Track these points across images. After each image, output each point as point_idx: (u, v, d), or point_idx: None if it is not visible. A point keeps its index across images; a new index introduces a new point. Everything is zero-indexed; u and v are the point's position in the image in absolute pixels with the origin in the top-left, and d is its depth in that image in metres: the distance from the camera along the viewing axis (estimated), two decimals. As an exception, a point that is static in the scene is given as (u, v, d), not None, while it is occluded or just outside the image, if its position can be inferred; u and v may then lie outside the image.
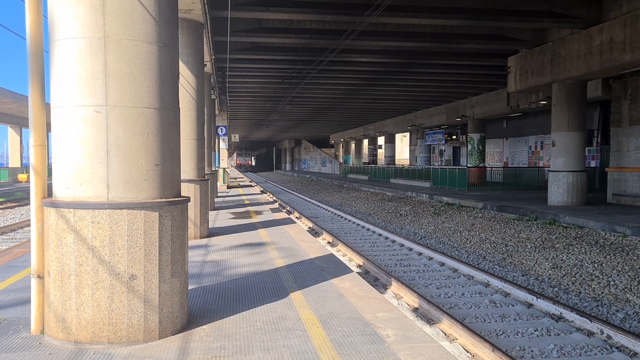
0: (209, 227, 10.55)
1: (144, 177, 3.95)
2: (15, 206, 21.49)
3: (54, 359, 3.59)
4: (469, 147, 29.24)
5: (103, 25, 3.76)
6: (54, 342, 3.87)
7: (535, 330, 6.19)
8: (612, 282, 8.38)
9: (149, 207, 3.91)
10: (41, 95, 4.18)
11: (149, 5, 3.90)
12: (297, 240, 9.23)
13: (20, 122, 41.63)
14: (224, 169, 27.27)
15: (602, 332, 5.96)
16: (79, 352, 3.73)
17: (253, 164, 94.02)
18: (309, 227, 15.64)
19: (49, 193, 4.16)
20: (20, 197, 25.59)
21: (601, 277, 8.73)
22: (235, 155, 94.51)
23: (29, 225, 15.12)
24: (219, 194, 21.72)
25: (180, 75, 4.59)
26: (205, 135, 13.01)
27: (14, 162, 43.12)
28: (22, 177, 38.66)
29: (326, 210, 21.01)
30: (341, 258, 10.58)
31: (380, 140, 49.43)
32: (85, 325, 3.79)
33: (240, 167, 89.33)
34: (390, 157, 44.54)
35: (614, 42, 13.14)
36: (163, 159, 4.07)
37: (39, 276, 4.12)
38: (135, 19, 3.85)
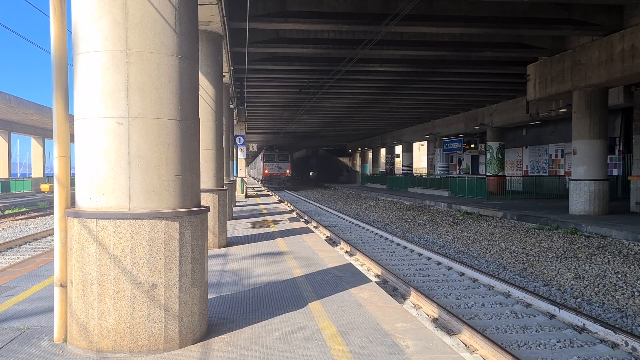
0: (228, 236, 10.61)
1: (164, 188, 4.00)
2: (37, 215, 21.86)
3: (76, 368, 3.63)
4: (488, 155, 29.00)
5: (125, 38, 3.84)
6: (76, 351, 3.92)
7: (557, 342, 6.08)
8: (636, 293, 8.20)
9: (169, 217, 3.95)
10: (65, 108, 4.26)
11: (170, 18, 3.97)
12: (315, 249, 9.23)
13: (43, 133, 42.45)
14: (242, 178, 27.44)
15: (627, 344, 5.83)
16: (101, 360, 3.76)
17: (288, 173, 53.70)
18: (327, 237, 15.61)
19: (72, 203, 4.23)
20: (42, 207, 26.03)
21: (625, 287, 8.55)
22: (260, 159, 56.13)
23: (51, 234, 15.37)
24: (237, 203, 21.84)
25: (199, 86, 4.65)
26: (224, 145, 13.11)
27: (37, 172, 43.92)
28: (44, 187, 39.33)
29: (344, 219, 20.96)
30: (359, 267, 10.53)
31: (398, 149, 49.30)
32: (107, 334, 3.83)
33: (270, 181, 51.77)
34: (408, 166, 44.39)
35: (636, 48, 12.96)
36: (183, 169, 4.12)
37: (62, 285, 4.18)
38: (157, 32, 3.92)
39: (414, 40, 15.28)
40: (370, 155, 57.33)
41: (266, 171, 51.45)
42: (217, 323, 4.68)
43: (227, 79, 15.18)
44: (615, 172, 22.57)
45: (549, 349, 5.90)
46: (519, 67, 18.32)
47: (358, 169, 64.39)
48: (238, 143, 25.09)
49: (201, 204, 4.46)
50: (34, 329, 4.50)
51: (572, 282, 9.14)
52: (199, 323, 4.20)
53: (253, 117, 33.94)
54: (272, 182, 51.51)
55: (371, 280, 6.62)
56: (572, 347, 5.99)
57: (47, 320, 4.68)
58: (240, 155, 26.88)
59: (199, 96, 4.49)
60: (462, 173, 37.35)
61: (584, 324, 6.52)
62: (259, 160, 53.54)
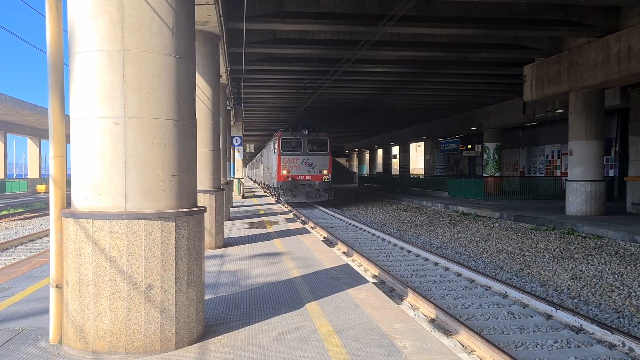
0: (225, 237, 10.58)
1: (161, 188, 3.98)
2: (33, 216, 21.78)
3: (72, 369, 3.61)
4: (485, 156, 29.05)
5: (122, 38, 3.82)
6: (72, 352, 3.89)
7: (555, 342, 6.08)
8: (633, 293, 8.22)
9: (166, 218, 3.93)
10: (61, 108, 4.24)
11: (167, 18, 3.95)
12: (313, 250, 9.21)
13: (39, 134, 42.30)
14: (239, 179, 27.39)
15: (623, 345, 5.84)
16: (97, 362, 3.74)
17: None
18: (324, 237, 15.59)
19: (68, 204, 4.20)
20: (38, 208, 25.93)
21: (622, 288, 8.57)
22: (272, 150, 27.92)
23: (47, 235, 15.30)
24: (234, 204, 21.80)
25: (196, 86, 4.63)
26: (221, 146, 13.09)
27: (33, 173, 43.76)
28: (40, 188, 39.20)
29: (341, 220, 20.94)
30: (357, 268, 10.52)
31: (395, 150, 49.33)
32: (103, 335, 3.81)
33: (292, 189, 25.38)
34: (405, 167, 44.41)
35: (632, 50, 12.99)
36: (180, 169, 4.10)
37: (57, 286, 4.16)
38: (153, 32, 3.90)
39: (411, 41, 15.29)
40: (367, 156, 57.38)
41: (284, 172, 25.72)
42: (214, 324, 4.66)
43: (224, 79, 15.15)
44: (611, 172, 22.63)
45: (546, 350, 5.90)
46: (516, 68, 18.34)
47: (355, 169, 64.40)
48: (235, 144, 25.05)
49: (198, 205, 4.44)
50: (29, 330, 4.47)
51: (569, 282, 9.15)
52: (196, 324, 4.19)
53: (250, 117, 33.91)
54: (295, 193, 25.87)
55: (368, 281, 6.61)
56: (570, 347, 5.99)
57: (43, 321, 4.65)
58: (237, 155, 26.84)
59: (196, 96, 4.48)
60: (459, 174, 37.40)
61: (581, 325, 6.53)
62: (271, 152, 28.48)
